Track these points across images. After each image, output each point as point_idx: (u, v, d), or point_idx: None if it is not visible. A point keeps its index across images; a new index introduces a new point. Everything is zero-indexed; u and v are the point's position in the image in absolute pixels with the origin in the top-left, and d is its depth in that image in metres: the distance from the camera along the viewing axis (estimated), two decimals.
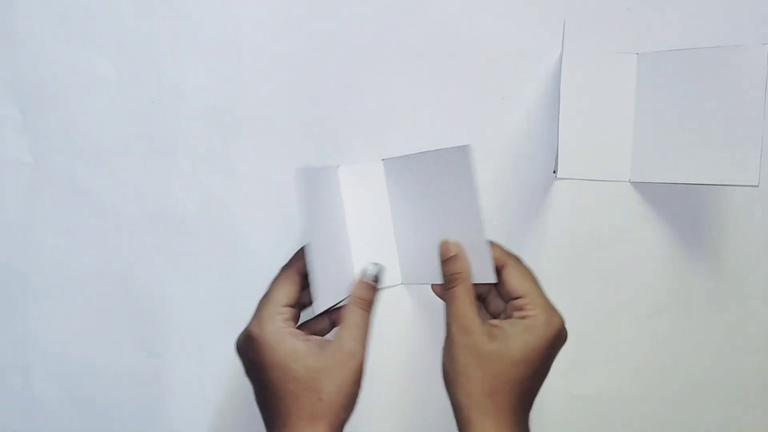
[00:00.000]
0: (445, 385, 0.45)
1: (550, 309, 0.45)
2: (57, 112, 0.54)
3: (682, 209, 0.54)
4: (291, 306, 0.45)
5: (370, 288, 0.47)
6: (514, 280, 0.45)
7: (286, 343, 0.43)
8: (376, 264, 0.48)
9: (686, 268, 0.54)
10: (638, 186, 0.52)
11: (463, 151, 0.45)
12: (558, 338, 0.44)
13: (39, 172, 0.55)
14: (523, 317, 0.44)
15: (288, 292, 0.45)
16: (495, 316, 0.48)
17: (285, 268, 0.47)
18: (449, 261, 0.46)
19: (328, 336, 0.49)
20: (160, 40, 0.54)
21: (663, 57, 0.50)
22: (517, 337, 0.43)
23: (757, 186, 0.47)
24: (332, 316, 0.49)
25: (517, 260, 0.47)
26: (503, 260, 0.46)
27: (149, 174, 0.54)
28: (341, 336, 0.44)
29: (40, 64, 0.54)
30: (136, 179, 0.54)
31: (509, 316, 0.45)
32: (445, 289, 0.46)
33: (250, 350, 0.44)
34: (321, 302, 0.45)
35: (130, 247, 0.55)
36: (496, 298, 0.48)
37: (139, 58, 0.54)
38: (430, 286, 0.51)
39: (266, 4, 0.54)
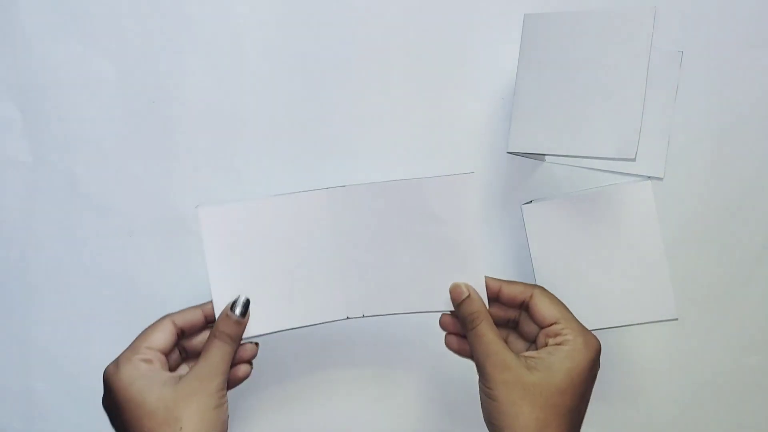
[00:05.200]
0: (489, 427, 0.43)
1: (586, 332, 0.44)
2: (57, 112, 0.54)
3: (686, 204, 0.54)
4: (161, 351, 0.44)
5: (234, 322, 0.45)
6: (545, 308, 0.45)
7: (141, 380, 0.42)
8: (245, 297, 0.46)
9: (685, 267, 0.54)
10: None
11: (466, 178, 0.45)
12: (597, 361, 0.44)
13: (39, 172, 0.55)
14: (559, 343, 0.43)
15: (157, 337, 0.44)
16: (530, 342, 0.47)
17: (164, 317, 0.46)
18: (465, 302, 0.45)
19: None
20: (160, 40, 0.54)
21: (548, 19, 0.45)
22: (559, 364, 0.42)
23: (634, 160, 0.43)
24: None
25: (542, 289, 0.46)
26: (529, 291, 0.46)
27: (149, 174, 0.54)
28: (198, 365, 0.43)
29: (40, 64, 0.54)
30: (136, 179, 0.54)
31: (543, 345, 0.44)
32: (468, 330, 0.45)
33: (105, 394, 0.43)
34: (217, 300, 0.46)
35: (130, 247, 0.55)
36: (528, 324, 0.47)
37: (139, 58, 0.54)
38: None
39: (266, 5, 0.54)
